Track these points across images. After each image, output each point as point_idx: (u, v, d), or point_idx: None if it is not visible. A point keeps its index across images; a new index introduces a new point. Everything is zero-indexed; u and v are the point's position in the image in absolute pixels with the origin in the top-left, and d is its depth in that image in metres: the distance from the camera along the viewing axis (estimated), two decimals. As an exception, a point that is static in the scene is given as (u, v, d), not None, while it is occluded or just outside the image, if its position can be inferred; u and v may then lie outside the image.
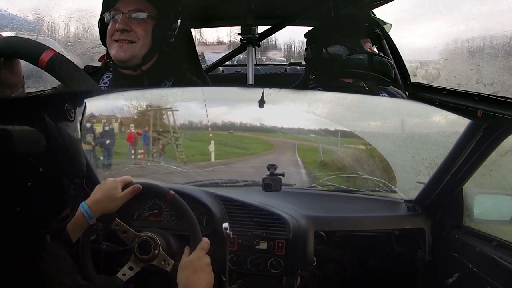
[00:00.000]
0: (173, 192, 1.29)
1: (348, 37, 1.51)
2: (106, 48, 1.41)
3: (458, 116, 1.51)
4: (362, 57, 1.49)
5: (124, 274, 1.20)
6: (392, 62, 1.60)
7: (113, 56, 1.31)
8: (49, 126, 0.49)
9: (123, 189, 1.19)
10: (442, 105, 1.50)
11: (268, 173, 1.52)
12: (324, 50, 1.53)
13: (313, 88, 1.59)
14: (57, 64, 0.68)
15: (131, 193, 1.18)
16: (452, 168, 1.43)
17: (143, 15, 1.31)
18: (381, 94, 1.56)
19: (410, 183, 1.77)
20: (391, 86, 1.61)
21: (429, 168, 1.62)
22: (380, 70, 1.51)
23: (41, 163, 0.48)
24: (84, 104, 0.64)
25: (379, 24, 1.60)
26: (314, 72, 1.60)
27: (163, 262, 1.20)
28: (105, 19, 1.34)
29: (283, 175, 1.53)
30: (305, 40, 1.62)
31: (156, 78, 1.38)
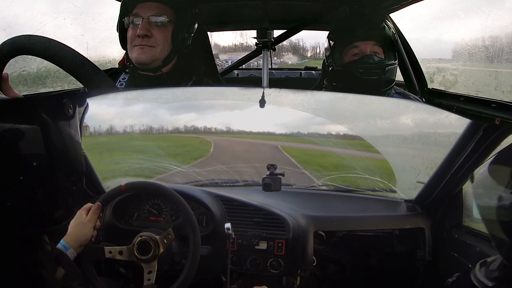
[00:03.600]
0: (124, 183, 1.30)
1: (362, 41, 1.50)
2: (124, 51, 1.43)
3: (458, 116, 1.50)
4: (378, 70, 1.48)
5: (110, 252, 1.21)
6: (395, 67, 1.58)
7: (135, 59, 1.33)
8: (46, 124, 0.49)
9: (88, 214, 1.20)
10: (460, 112, 1.49)
11: (268, 173, 1.53)
12: (340, 61, 1.53)
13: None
14: None
15: (95, 212, 1.19)
16: (452, 168, 1.43)
17: (163, 19, 1.33)
18: (394, 96, 1.57)
19: (410, 183, 1.76)
20: (404, 90, 1.60)
21: (429, 168, 1.62)
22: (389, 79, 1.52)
23: (37, 161, 0.48)
24: (86, 103, 0.65)
25: (392, 31, 1.57)
26: (329, 79, 1.61)
27: (148, 272, 1.21)
28: (125, 24, 1.34)
29: (283, 175, 1.53)
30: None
31: (175, 80, 1.40)
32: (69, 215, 0.52)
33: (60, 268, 1.06)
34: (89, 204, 1.21)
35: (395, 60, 1.54)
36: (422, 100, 1.66)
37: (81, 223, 1.15)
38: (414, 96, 1.65)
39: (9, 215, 0.49)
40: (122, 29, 1.38)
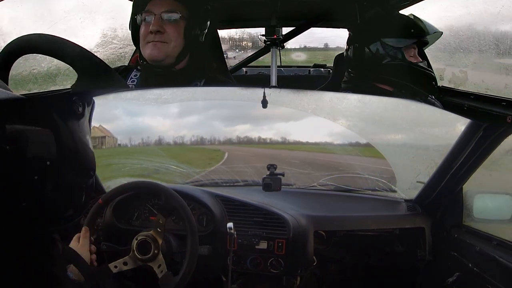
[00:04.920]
0: (100, 198, 1.32)
1: (394, 39, 1.47)
2: (135, 48, 1.44)
3: (458, 116, 1.50)
4: (405, 65, 1.45)
5: (116, 266, 1.21)
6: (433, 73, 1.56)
7: (148, 56, 1.32)
8: (57, 123, 0.50)
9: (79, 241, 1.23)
10: (470, 110, 1.48)
11: (268, 173, 1.53)
12: (366, 49, 1.49)
13: (345, 90, 1.58)
14: None
15: (85, 237, 1.22)
16: (452, 167, 1.43)
17: (175, 16, 1.32)
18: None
19: (410, 182, 1.77)
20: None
21: (429, 168, 1.62)
22: (421, 81, 1.48)
23: (49, 161, 0.48)
24: (92, 101, 0.65)
25: (426, 29, 1.53)
26: (351, 72, 1.57)
27: (158, 267, 1.21)
28: (137, 21, 1.34)
29: (283, 174, 1.53)
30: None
31: (187, 78, 1.39)
32: (80, 213, 0.54)
33: (72, 267, 1.07)
34: (78, 234, 1.23)
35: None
36: (433, 98, 1.65)
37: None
38: (435, 98, 1.63)
39: (24, 215, 0.49)
40: (134, 27, 1.37)
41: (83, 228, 1.23)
